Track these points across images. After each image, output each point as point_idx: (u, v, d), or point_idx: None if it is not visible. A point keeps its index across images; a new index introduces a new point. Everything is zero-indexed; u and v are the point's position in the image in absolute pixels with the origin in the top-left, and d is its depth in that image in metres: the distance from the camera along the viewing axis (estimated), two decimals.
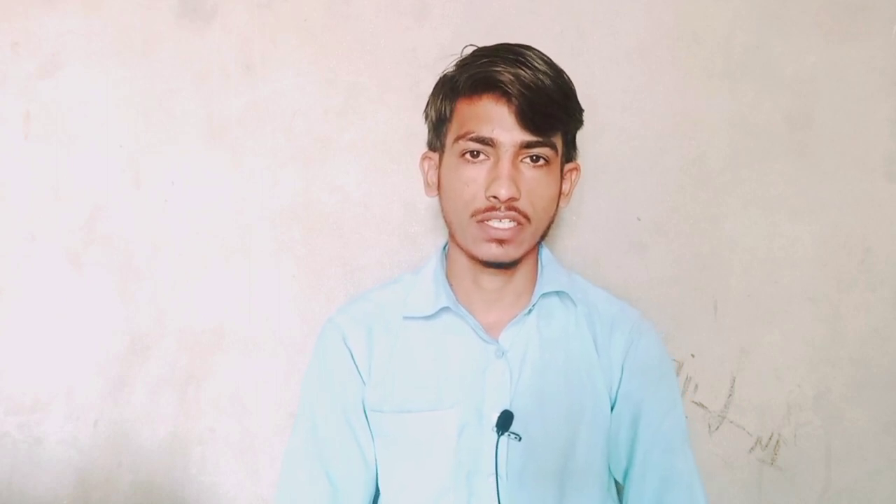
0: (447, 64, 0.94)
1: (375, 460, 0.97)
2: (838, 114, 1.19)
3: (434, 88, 0.95)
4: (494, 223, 0.87)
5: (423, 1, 1.20)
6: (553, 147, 0.88)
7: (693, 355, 1.19)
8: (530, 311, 0.95)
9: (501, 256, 0.89)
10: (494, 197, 0.85)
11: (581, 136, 0.96)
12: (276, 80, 1.20)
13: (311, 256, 1.20)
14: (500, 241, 0.88)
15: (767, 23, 1.20)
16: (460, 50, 0.93)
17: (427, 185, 0.97)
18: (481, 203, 0.87)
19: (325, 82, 1.20)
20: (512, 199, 0.85)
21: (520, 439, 0.90)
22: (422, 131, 0.99)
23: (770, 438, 1.19)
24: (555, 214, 0.93)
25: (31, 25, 1.20)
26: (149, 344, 1.20)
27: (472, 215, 0.88)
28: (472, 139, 0.87)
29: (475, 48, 0.91)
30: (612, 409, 0.96)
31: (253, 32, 1.20)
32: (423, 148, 0.98)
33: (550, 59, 0.87)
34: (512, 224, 0.87)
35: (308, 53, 1.20)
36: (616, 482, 1.00)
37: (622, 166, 1.20)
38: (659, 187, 1.20)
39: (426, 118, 0.97)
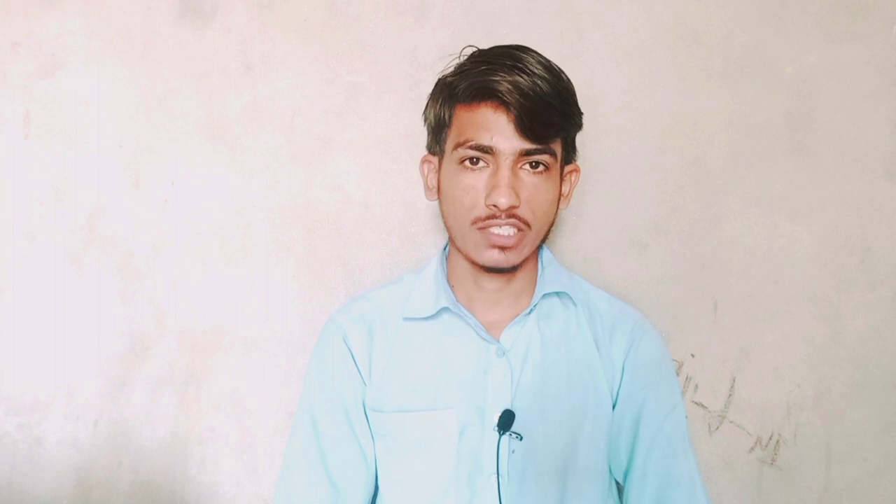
0: (446, 64, 0.93)
1: (375, 460, 0.97)
2: (838, 114, 1.19)
3: (433, 92, 0.94)
4: (495, 230, 0.87)
5: (423, 1, 1.20)
6: (552, 153, 0.88)
7: (693, 355, 1.19)
8: (531, 311, 0.95)
9: (502, 262, 0.89)
10: (494, 205, 0.85)
11: (581, 137, 0.96)
12: (276, 80, 1.20)
13: (311, 256, 1.20)
14: (502, 248, 0.88)
15: (767, 22, 1.20)
16: (460, 50, 0.93)
17: (427, 188, 0.97)
18: (481, 211, 0.87)
19: (325, 82, 1.20)
20: (512, 207, 0.85)
21: (521, 439, 0.90)
22: (422, 131, 0.99)
23: (770, 438, 1.19)
24: (555, 217, 0.93)
25: (31, 25, 1.20)
26: (149, 344, 1.20)
27: (473, 223, 0.88)
28: (471, 147, 0.87)
29: (474, 50, 0.91)
30: (613, 409, 0.96)
31: (253, 32, 1.20)
32: (423, 148, 0.98)
33: (549, 62, 0.87)
34: (513, 231, 0.87)
35: (308, 53, 1.20)
36: (617, 482, 1.00)
37: (622, 166, 1.20)
38: (659, 187, 1.20)
39: (425, 121, 0.97)
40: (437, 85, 0.94)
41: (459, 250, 0.93)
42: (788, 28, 1.20)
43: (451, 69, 0.92)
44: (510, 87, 0.83)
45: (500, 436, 0.90)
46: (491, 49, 0.89)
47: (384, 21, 1.20)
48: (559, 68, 0.88)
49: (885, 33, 1.19)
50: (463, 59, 0.91)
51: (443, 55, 1.17)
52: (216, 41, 1.20)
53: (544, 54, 0.88)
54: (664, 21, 1.20)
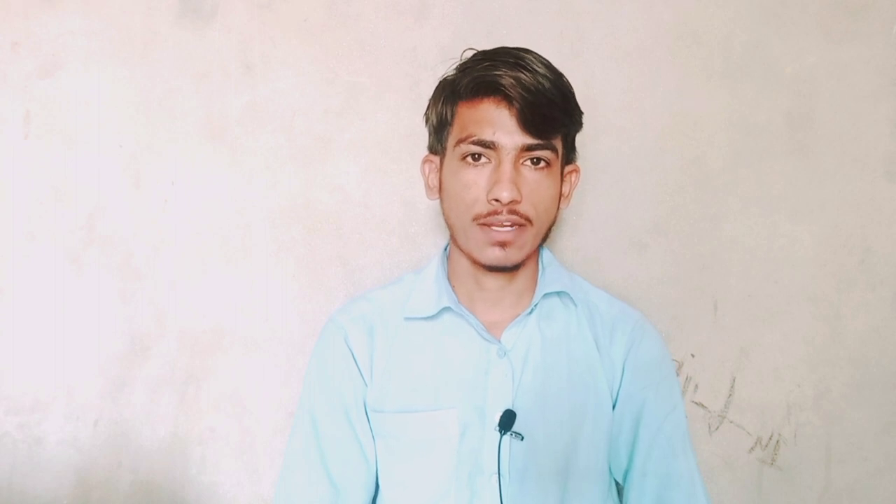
0: (447, 66, 0.94)
1: (376, 460, 0.97)
2: (838, 114, 1.19)
3: (434, 92, 0.95)
4: (496, 227, 0.87)
5: (423, 1, 1.20)
6: (554, 149, 0.88)
7: (693, 355, 1.19)
8: (531, 311, 0.95)
9: (503, 260, 0.89)
10: (496, 200, 0.86)
11: (581, 137, 0.96)
12: (276, 80, 1.20)
13: (311, 256, 1.20)
14: (503, 245, 0.88)
15: (767, 22, 1.20)
16: (460, 51, 0.93)
17: (428, 188, 0.97)
18: (483, 207, 0.87)
19: (325, 82, 1.20)
20: (514, 202, 0.86)
21: (522, 439, 0.90)
22: (422, 131, 0.99)
23: (770, 438, 1.19)
24: (555, 216, 0.93)
25: (31, 25, 1.20)
26: (149, 344, 1.20)
27: (474, 219, 0.88)
28: (473, 142, 0.87)
29: (475, 52, 0.91)
30: (613, 409, 0.96)
31: (253, 32, 1.20)
32: (423, 148, 0.98)
33: (549, 62, 0.88)
34: (514, 228, 0.87)
35: (308, 53, 1.20)
36: (617, 482, 1.00)
37: (622, 166, 1.20)
38: (659, 187, 1.20)
39: (426, 121, 0.97)
40: (438, 85, 0.94)
41: (461, 249, 0.93)
42: (788, 28, 1.20)
43: (452, 71, 0.92)
44: (513, 81, 0.84)
45: (502, 436, 0.90)
46: (492, 49, 0.90)
47: (384, 21, 1.20)
48: (559, 70, 0.89)
49: (885, 33, 1.19)
50: (463, 60, 0.92)
51: (443, 55, 1.17)
52: (216, 41, 1.20)
53: (544, 55, 0.89)
54: (664, 21, 1.20)
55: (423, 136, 0.99)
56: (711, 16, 1.20)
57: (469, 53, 0.92)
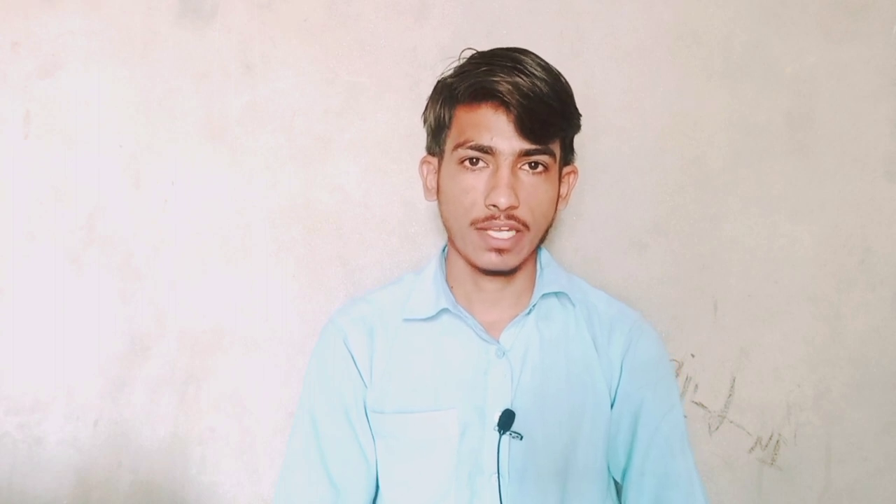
0: (446, 66, 0.94)
1: (376, 460, 0.97)
2: (838, 114, 1.19)
3: (432, 94, 0.95)
4: (494, 233, 0.87)
5: (423, 1, 1.20)
6: (551, 154, 0.88)
7: (693, 355, 1.19)
8: (530, 311, 0.95)
9: (500, 265, 0.89)
10: (494, 205, 0.86)
11: (581, 136, 0.96)
12: (276, 80, 1.20)
13: (311, 256, 1.20)
14: (500, 251, 0.88)
15: (767, 22, 1.20)
16: (460, 51, 0.93)
17: (426, 189, 0.97)
18: (480, 212, 0.87)
19: (325, 82, 1.20)
20: (511, 207, 0.86)
21: (521, 438, 0.90)
22: (422, 131, 0.99)
23: (770, 438, 1.19)
24: (553, 218, 0.93)
25: (31, 25, 1.20)
26: (149, 344, 1.20)
27: (472, 223, 0.88)
28: (471, 147, 0.87)
29: (473, 52, 0.91)
30: (611, 408, 0.96)
31: (253, 32, 1.20)
32: (423, 149, 0.98)
33: (548, 64, 0.87)
34: (511, 233, 0.87)
35: (308, 53, 1.20)
36: (616, 482, 1.00)
37: (622, 166, 1.20)
38: (659, 187, 1.20)
39: (424, 122, 0.97)
40: (436, 86, 0.94)
41: (459, 252, 0.93)
42: (788, 28, 1.20)
43: (451, 71, 0.92)
44: (510, 87, 0.83)
45: (501, 435, 0.90)
46: (490, 51, 0.90)
47: (384, 21, 1.20)
48: (557, 71, 0.88)
49: (885, 33, 1.19)
50: (462, 61, 0.91)
51: (443, 55, 1.17)
52: (216, 41, 1.20)
53: (544, 55, 0.88)
54: (664, 21, 1.20)
55: (423, 135, 0.99)
56: (711, 16, 1.20)
57: (468, 53, 0.91)
